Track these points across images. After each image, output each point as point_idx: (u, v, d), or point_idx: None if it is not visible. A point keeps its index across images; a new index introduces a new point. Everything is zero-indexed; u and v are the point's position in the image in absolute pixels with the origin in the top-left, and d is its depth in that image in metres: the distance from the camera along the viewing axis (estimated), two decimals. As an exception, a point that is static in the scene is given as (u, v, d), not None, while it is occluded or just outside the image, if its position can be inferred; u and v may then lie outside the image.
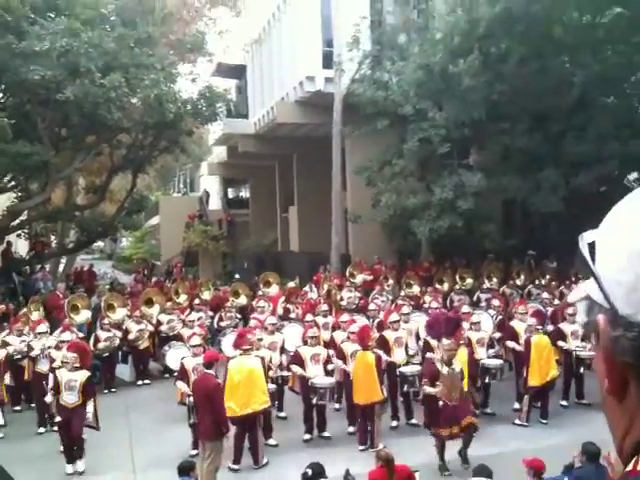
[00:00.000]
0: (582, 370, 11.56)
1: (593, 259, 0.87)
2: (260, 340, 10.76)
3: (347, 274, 18.76)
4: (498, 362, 11.33)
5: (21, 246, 25.92)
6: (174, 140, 21.42)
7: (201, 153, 36.39)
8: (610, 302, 0.84)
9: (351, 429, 10.60)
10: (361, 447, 9.87)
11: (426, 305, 14.31)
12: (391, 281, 18.38)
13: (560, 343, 11.80)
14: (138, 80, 17.71)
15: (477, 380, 10.75)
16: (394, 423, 10.88)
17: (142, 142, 21.49)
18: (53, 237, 28.66)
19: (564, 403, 11.65)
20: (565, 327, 11.96)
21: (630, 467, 0.87)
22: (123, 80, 16.86)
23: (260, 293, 16.74)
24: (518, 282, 17.79)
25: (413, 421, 10.76)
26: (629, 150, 17.22)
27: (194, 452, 9.58)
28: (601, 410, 0.94)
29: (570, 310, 12.05)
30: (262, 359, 9.77)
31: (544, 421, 10.82)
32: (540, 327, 11.51)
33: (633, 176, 20.68)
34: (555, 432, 10.25)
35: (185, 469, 7.27)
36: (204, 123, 21.81)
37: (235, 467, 9.47)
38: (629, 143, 17.30)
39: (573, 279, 17.31)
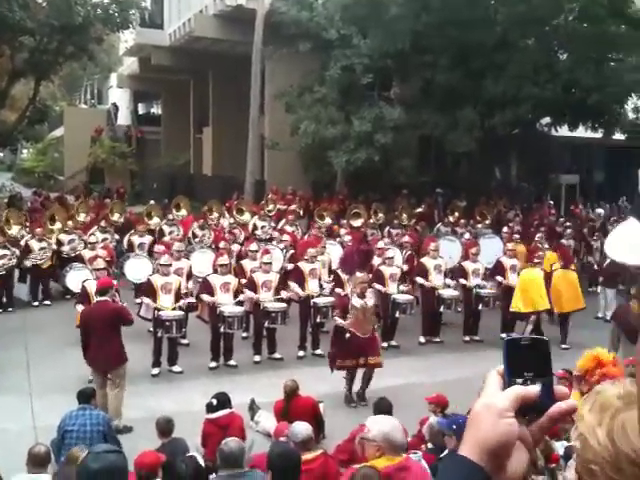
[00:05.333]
0: (480, 307, 12.01)
1: None
2: (169, 266, 10.49)
3: (264, 203, 18.45)
4: (408, 297, 11.54)
5: None
6: (82, 46, 20.08)
7: (111, 63, 34.49)
8: None
9: (257, 358, 10.63)
10: None
11: (339, 239, 14.27)
12: (298, 210, 18.22)
13: (462, 280, 12.16)
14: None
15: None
16: (301, 353, 10.97)
17: (47, 46, 20.00)
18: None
19: (466, 339, 12.11)
20: (467, 265, 12.30)
21: None
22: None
23: (170, 217, 16.19)
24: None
25: (318, 351, 10.87)
26: (544, 94, 17.56)
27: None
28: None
29: (474, 249, 12.43)
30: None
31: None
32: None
33: (545, 120, 21.22)
34: (452, 367, 10.62)
35: (86, 395, 7.00)
36: (115, 30, 20.54)
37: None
38: (545, 87, 17.62)
39: (478, 218, 17.86)
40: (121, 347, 8.58)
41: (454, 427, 4.77)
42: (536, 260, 12.05)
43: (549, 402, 0.96)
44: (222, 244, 13.10)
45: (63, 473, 5.50)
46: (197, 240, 14.99)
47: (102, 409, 7.71)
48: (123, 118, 35.80)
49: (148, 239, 14.58)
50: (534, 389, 0.95)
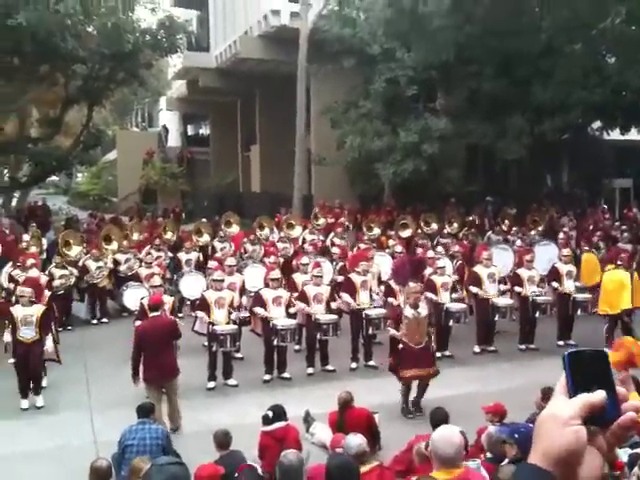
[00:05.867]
0: (537, 315, 11.78)
1: None
2: (222, 281, 10.64)
3: (312, 217, 18.57)
4: (461, 306, 11.44)
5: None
6: (132, 72, 20.61)
7: (160, 87, 35.30)
8: None
9: (310, 370, 10.66)
10: None
11: (389, 250, 14.23)
12: (347, 223, 18.27)
13: (517, 288, 11.96)
14: (95, 7, 16.84)
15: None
16: (353, 365, 10.96)
17: (98, 73, 20.61)
18: (6, 171, 27.62)
19: (522, 347, 11.89)
20: (522, 272, 12.10)
21: None
22: (79, 6, 16.00)
23: (222, 234, 16.46)
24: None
25: (371, 363, 10.86)
26: (594, 98, 17.23)
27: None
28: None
29: (528, 256, 12.22)
30: None
31: None
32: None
33: (596, 125, 20.79)
34: (508, 376, 10.43)
35: (145, 410, 7.15)
36: (163, 55, 21.02)
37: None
38: (594, 91, 17.29)
39: (531, 225, 17.58)
40: (174, 360, 8.84)
41: (516, 436, 4.66)
42: (619, 262, 11.81)
43: (614, 412, 0.97)
44: (272, 258, 13.23)
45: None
46: (247, 255, 15.17)
47: (160, 423, 7.88)
48: (173, 140, 36.61)
49: (194, 255, 14.89)
50: (600, 395, 0.95)
